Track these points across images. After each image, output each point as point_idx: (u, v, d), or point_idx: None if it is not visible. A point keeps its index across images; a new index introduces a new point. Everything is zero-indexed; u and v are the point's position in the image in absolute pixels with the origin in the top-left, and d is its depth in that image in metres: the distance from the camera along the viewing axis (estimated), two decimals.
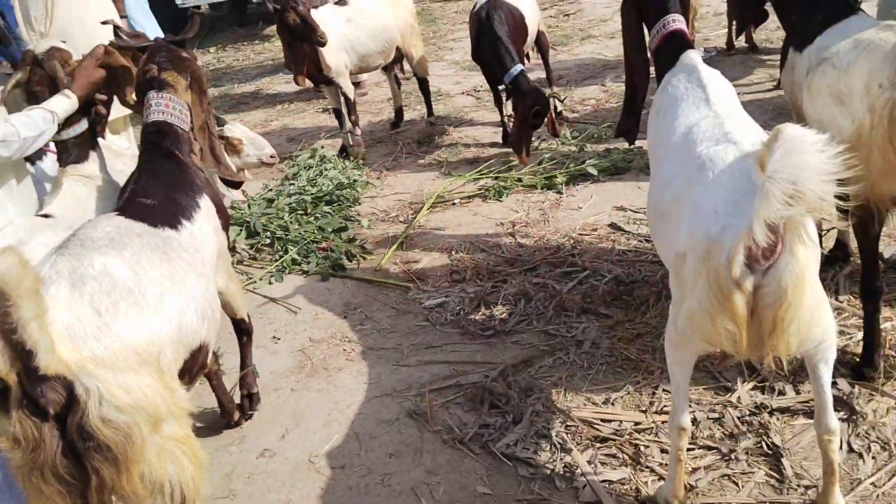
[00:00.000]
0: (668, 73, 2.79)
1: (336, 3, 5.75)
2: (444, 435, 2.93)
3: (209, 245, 2.64)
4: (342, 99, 5.69)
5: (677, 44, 2.83)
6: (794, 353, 2.07)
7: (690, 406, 2.85)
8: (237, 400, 3.16)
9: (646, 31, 3.11)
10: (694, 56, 2.75)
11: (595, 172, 4.83)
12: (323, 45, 5.04)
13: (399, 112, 6.40)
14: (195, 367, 2.40)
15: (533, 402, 3.02)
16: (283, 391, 3.35)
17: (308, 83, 5.47)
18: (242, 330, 3.12)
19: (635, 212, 4.34)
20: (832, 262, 3.51)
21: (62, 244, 2.24)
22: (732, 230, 1.95)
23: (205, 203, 2.74)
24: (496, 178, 5.03)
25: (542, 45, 5.96)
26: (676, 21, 2.88)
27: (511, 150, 5.15)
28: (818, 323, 2.07)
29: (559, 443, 2.80)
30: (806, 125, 2.19)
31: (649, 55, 3.04)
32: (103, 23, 3.29)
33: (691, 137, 2.38)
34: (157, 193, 2.54)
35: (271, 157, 4.20)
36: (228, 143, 4.01)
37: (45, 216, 2.77)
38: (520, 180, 4.95)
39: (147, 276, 2.21)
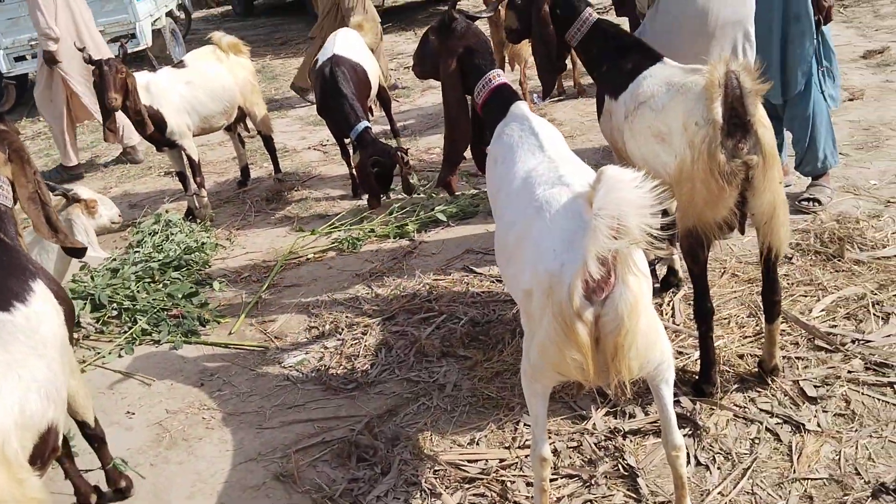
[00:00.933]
0: (500, 124, 2.95)
1: (174, 67, 5.66)
2: (314, 494, 2.89)
3: (50, 325, 2.48)
4: (186, 161, 5.57)
5: (505, 96, 3.00)
6: (636, 375, 2.21)
7: (550, 437, 2.98)
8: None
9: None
10: (523, 106, 2.93)
11: (444, 218, 4.98)
12: (111, 106, 4.93)
13: (245, 170, 6.34)
14: (46, 450, 2.26)
15: (400, 450, 3.04)
16: (143, 467, 3.19)
17: (115, 140, 5.30)
18: (90, 436, 2.90)
19: (486, 253, 4.49)
20: (666, 288, 3.78)
21: None
22: (570, 266, 2.08)
23: (39, 287, 2.58)
24: (348, 229, 5.07)
25: (384, 98, 6.10)
26: (500, 75, 3.06)
27: (363, 201, 5.27)
28: (655, 346, 2.23)
29: (429, 488, 2.83)
30: (627, 166, 2.37)
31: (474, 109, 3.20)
32: None
33: (529, 181, 2.53)
34: None
35: (119, 216, 4.06)
36: (86, 206, 3.84)
37: None
38: (372, 231, 5.02)
39: None
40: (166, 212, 5.63)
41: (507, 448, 2.98)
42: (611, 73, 3.44)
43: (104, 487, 3.00)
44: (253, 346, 3.96)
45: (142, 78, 5.31)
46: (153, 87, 5.31)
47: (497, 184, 2.85)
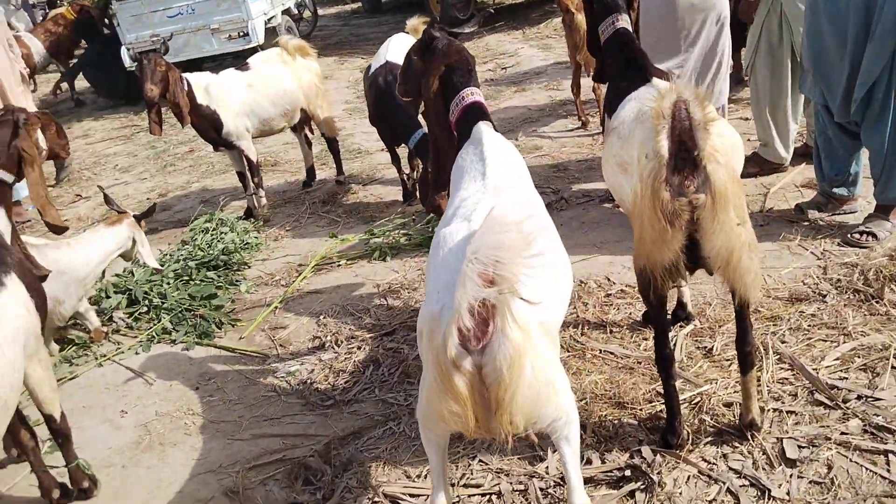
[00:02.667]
0: (464, 145, 2.79)
1: (238, 69, 5.81)
2: None
3: (11, 324, 2.59)
4: (245, 162, 5.72)
5: (471, 116, 2.82)
6: (522, 430, 2.02)
7: (499, 476, 2.81)
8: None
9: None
10: (484, 127, 2.75)
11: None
12: (148, 97, 5.09)
13: (310, 171, 6.43)
14: None
15: (349, 477, 2.96)
16: (115, 468, 3.28)
17: (159, 133, 5.47)
18: (54, 430, 2.98)
19: None
20: (674, 322, 3.48)
21: None
22: (447, 311, 1.92)
23: (11, 281, 2.70)
24: (382, 235, 5.03)
25: None
26: (473, 94, 2.88)
27: (413, 207, 5.24)
28: (548, 401, 2.03)
29: None
30: None
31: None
32: None
33: (456, 212, 2.37)
34: None
35: None
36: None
37: None
38: (409, 238, 4.94)
39: None
40: (221, 210, 5.80)
41: (453, 485, 2.84)
42: (610, 91, 3.22)
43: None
44: (256, 352, 4.00)
45: (202, 79, 5.49)
46: (213, 88, 5.47)
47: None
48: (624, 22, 3.30)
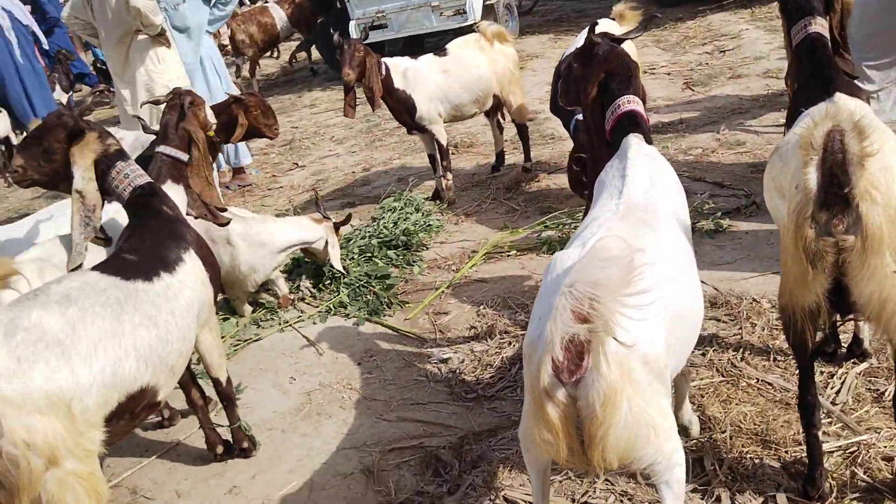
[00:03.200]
0: (612, 158, 2.72)
1: (435, 54, 5.96)
2: (381, 497, 3.03)
3: (188, 295, 2.91)
4: (436, 145, 5.90)
5: (623, 127, 2.74)
6: (615, 467, 1.97)
7: (622, 499, 2.75)
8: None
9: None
10: (633, 140, 2.66)
11: None
12: (346, 80, 5.37)
13: (500, 156, 6.50)
14: (137, 407, 2.68)
15: (476, 474, 3.03)
16: (275, 431, 3.60)
17: (353, 115, 5.73)
18: (220, 393, 3.32)
19: None
20: (848, 358, 3.17)
21: (25, 295, 2.64)
22: (543, 339, 1.92)
23: (189, 257, 3.03)
24: (556, 227, 4.99)
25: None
26: (630, 102, 2.79)
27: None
28: (646, 444, 1.96)
29: None
30: None
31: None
32: None
33: (580, 234, 2.34)
34: (140, 250, 2.87)
35: None
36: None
37: None
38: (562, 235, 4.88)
39: (85, 331, 2.52)
40: (410, 191, 6.04)
41: (573, 501, 2.82)
42: (792, 101, 2.97)
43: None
44: (416, 335, 4.17)
45: (401, 63, 5.72)
46: (410, 73, 5.69)
47: None
48: (818, 26, 3.01)
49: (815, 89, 2.79)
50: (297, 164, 8.23)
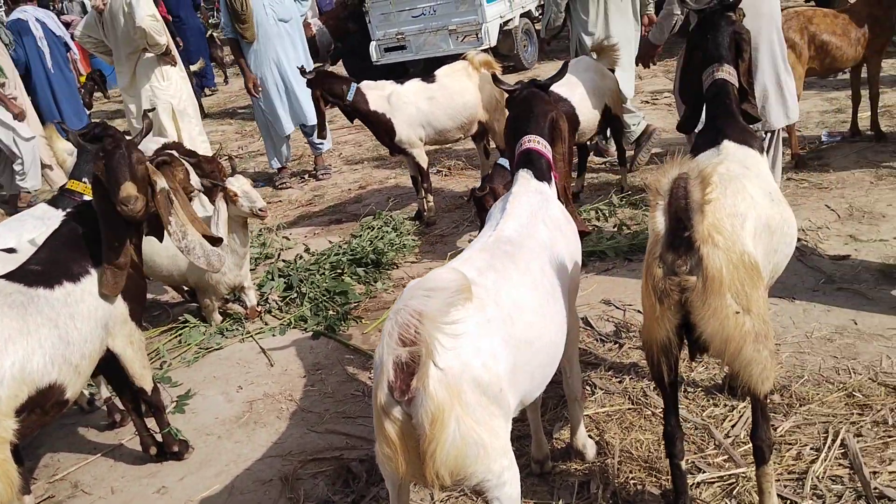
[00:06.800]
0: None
1: (423, 80, 6.11)
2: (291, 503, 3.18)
3: (89, 304, 3.08)
4: (416, 167, 6.07)
5: (520, 163, 2.87)
6: (448, 483, 2.08)
7: None
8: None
9: None
10: (521, 176, 2.81)
11: (611, 255, 4.83)
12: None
13: (485, 180, 6.61)
14: (46, 403, 2.88)
15: (382, 487, 3.15)
16: (213, 437, 3.77)
17: None
18: (146, 402, 3.49)
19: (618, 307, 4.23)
20: (731, 395, 3.24)
21: None
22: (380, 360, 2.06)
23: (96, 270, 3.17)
24: None
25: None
26: (530, 141, 2.91)
27: None
28: (476, 462, 2.07)
29: None
30: None
31: None
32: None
33: (455, 260, 2.47)
34: (45, 261, 3.09)
35: (261, 209, 4.58)
36: (227, 194, 4.55)
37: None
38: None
39: None
40: (388, 210, 6.20)
41: None
42: (693, 147, 3.08)
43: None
44: (365, 350, 4.31)
45: (386, 87, 5.89)
46: (394, 98, 5.85)
47: None
48: (724, 73, 3.10)
49: (707, 136, 2.90)
50: (302, 177, 8.40)
